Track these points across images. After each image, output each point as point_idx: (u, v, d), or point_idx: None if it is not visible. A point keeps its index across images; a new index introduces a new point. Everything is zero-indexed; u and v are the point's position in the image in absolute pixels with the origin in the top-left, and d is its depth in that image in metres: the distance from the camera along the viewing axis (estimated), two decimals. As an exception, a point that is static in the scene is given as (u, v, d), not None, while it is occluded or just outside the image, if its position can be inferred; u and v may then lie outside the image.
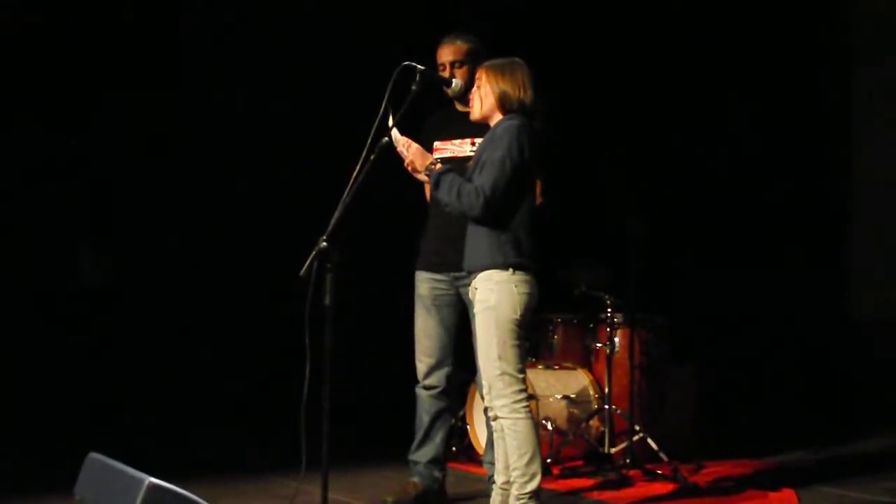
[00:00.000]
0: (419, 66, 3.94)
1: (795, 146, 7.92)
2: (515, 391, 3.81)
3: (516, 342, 3.81)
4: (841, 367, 7.51)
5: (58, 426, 5.94)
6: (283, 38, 6.97)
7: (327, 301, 3.61)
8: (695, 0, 7.58)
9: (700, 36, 7.65)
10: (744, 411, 6.86)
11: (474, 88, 4.00)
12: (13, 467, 5.10)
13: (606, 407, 5.31)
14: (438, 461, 4.54)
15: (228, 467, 5.20)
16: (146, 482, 2.95)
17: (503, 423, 3.84)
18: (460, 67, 4.43)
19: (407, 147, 3.97)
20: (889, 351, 7.31)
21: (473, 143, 4.33)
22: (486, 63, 3.97)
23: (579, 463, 5.38)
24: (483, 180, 3.78)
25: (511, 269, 3.80)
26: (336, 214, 3.69)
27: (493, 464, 4.43)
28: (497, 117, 3.93)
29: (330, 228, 3.67)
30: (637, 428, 5.24)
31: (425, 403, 4.51)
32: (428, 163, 3.94)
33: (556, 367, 5.65)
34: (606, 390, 5.33)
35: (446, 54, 4.46)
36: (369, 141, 3.76)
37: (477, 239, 3.88)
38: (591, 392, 5.53)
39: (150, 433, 5.92)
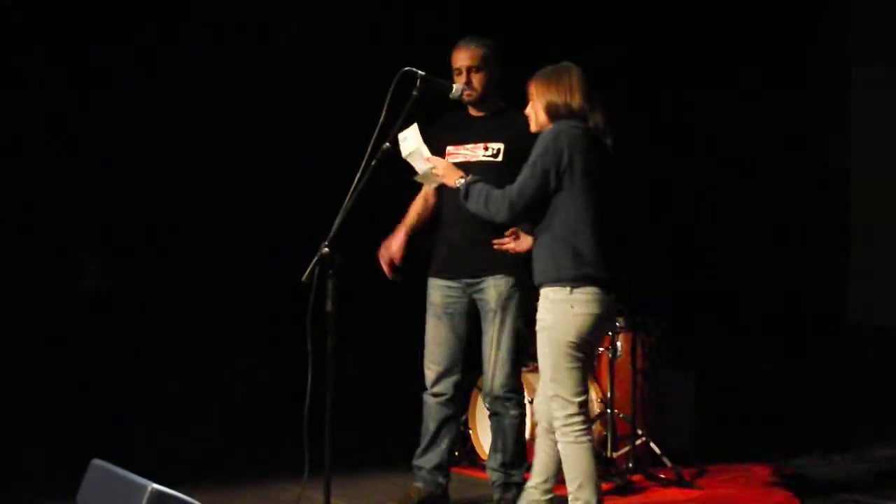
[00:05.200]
0: (419, 72, 3.94)
1: (795, 149, 7.92)
2: (567, 415, 3.68)
3: (571, 365, 3.67)
4: (842, 371, 7.51)
5: (61, 432, 5.94)
6: (283, 41, 6.99)
7: (329, 306, 3.62)
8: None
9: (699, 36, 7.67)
10: (746, 415, 6.85)
11: (529, 104, 3.91)
12: (16, 473, 5.10)
13: (609, 411, 5.31)
14: (442, 467, 4.51)
15: (231, 473, 5.20)
16: (149, 488, 2.95)
17: (559, 443, 3.73)
18: (477, 72, 4.33)
19: (436, 162, 3.98)
20: (890, 355, 7.31)
21: (486, 148, 4.30)
22: (535, 75, 3.89)
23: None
24: (513, 184, 3.74)
25: (569, 287, 3.66)
26: (338, 220, 3.70)
27: (495, 469, 4.43)
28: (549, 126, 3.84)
29: (332, 234, 3.67)
30: (640, 432, 5.24)
31: (432, 410, 4.45)
32: (458, 177, 3.90)
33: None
34: (609, 395, 5.33)
35: (462, 59, 4.36)
36: (370, 146, 3.77)
37: (538, 251, 3.78)
38: (594, 396, 5.53)
39: (153, 439, 5.92)
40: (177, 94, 6.76)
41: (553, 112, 3.80)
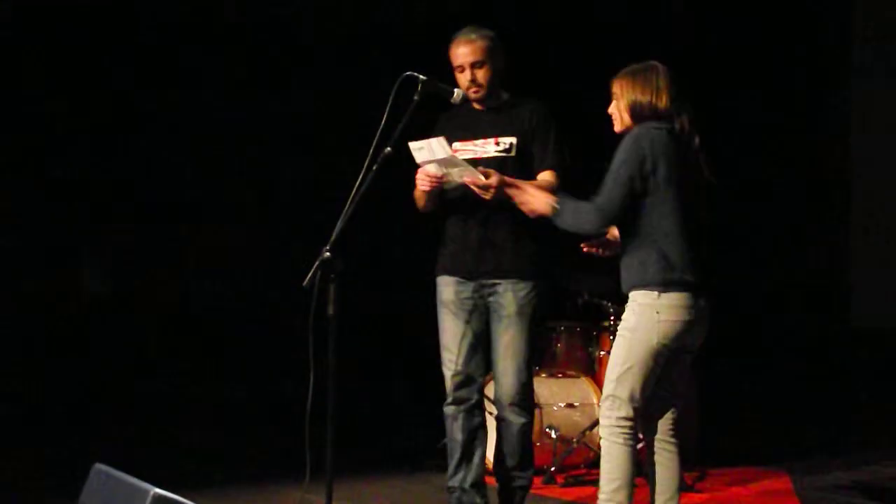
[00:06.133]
0: (421, 76, 3.89)
1: (795, 150, 7.93)
2: (620, 417, 3.56)
3: (642, 371, 3.53)
4: (844, 374, 7.52)
5: (62, 437, 5.94)
6: (286, 45, 7.00)
7: (330, 311, 3.61)
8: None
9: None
10: (747, 419, 6.86)
11: (613, 103, 3.71)
12: (18, 478, 5.09)
13: (610, 415, 5.31)
14: (479, 485, 4.17)
15: (233, 477, 5.19)
16: (151, 493, 2.95)
17: (602, 442, 3.62)
18: (480, 68, 4.07)
19: (524, 186, 3.80)
20: (892, 357, 7.31)
21: (498, 143, 4.09)
22: (620, 73, 3.71)
23: (583, 471, 5.38)
24: (600, 195, 3.59)
25: (657, 292, 3.53)
26: (339, 225, 3.70)
27: (501, 474, 4.21)
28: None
29: (333, 238, 3.67)
30: (640, 435, 5.23)
31: (459, 421, 4.13)
32: (550, 201, 3.70)
33: (560, 375, 5.65)
34: (609, 398, 5.32)
35: (463, 55, 4.08)
36: (371, 151, 3.76)
37: (626, 256, 3.64)
38: (595, 400, 5.53)
39: (154, 443, 5.92)
40: (178, 95, 6.77)
41: (637, 112, 3.63)
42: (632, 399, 3.55)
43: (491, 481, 4.50)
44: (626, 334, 3.57)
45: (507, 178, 3.88)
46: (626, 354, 3.55)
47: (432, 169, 3.96)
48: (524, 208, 3.78)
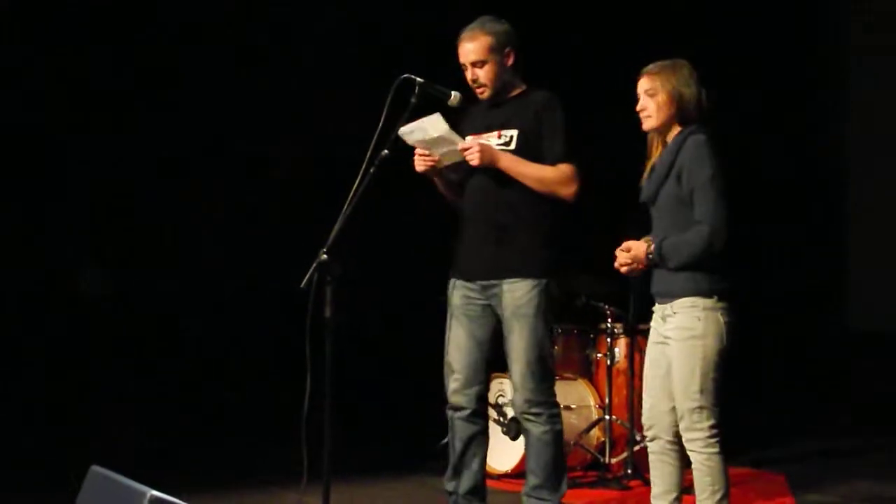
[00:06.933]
0: (418, 79, 3.90)
1: (795, 149, 7.93)
2: (711, 426, 3.59)
3: (718, 375, 3.60)
4: (844, 375, 7.52)
5: (62, 437, 5.94)
6: (286, 48, 7.00)
7: (328, 313, 3.62)
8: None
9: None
10: (746, 419, 6.86)
11: (645, 99, 3.65)
12: (14, 481, 5.10)
13: (607, 417, 5.32)
14: (478, 490, 4.15)
15: (230, 479, 5.20)
16: (148, 495, 2.96)
17: (695, 457, 3.61)
18: (482, 66, 4.03)
19: (627, 254, 3.74)
20: (889, 361, 7.31)
21: (500, 136, 4.06)
22: (650, 69, 3.65)
23: (580, 473, 5.39)
24: (701, 210, 3.55)
25: (716, 297, 3.60)
26: (336, 227, 3.70)
27: (529, 495, 4.10)
28: (675, 129, 3.64)
29: (330, 241, 3.68)
30: (637, 437, 5.25)
31: (456, 427, 4.12)
32: (646, 250, 3.68)
33: (557, 377, 5.63)
34: (607, 400, 5.34)
35: (465, 54, 4.04)
36: (369, 153, 3.77)
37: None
38: (592, 402, 5.54)
39: (151, 445, 5.92)
40: (178, 95, 6.77)
41: (682, 104, 3.59)
42: (715, 404, 3.59)
43: (492, 483, 4.51)
44: (696, 342, 3.58)
45: (491, 147, 3.92)
46: (704, 362, 3.57)
47: (423, 148, 3.96)
48: (633, 268, 3.72)
